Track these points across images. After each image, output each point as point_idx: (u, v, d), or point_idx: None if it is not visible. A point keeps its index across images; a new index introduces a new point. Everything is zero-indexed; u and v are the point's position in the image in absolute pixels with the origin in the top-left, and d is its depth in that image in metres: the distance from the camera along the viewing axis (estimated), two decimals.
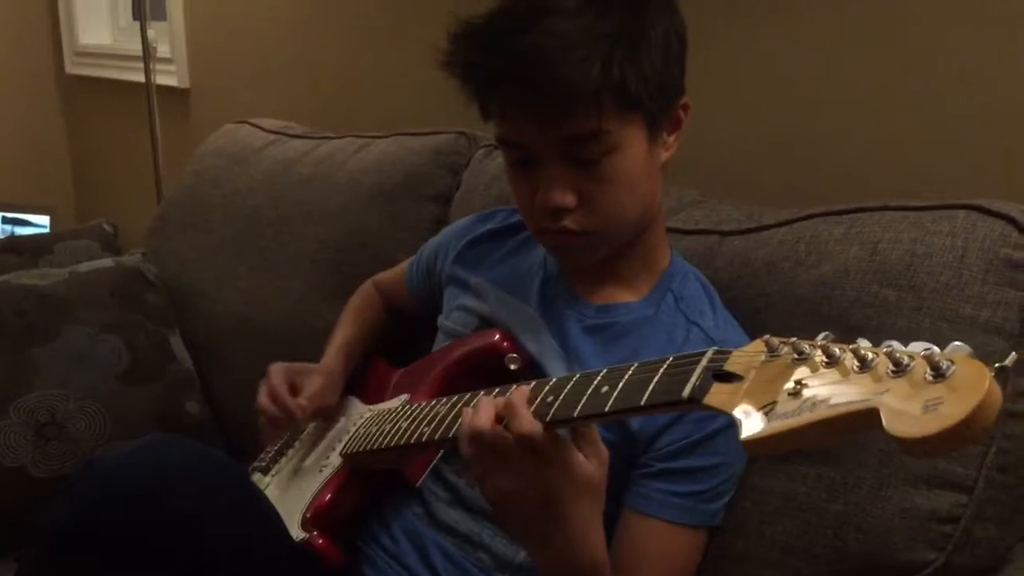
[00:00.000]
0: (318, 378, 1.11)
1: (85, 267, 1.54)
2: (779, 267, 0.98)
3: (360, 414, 1.09)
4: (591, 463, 0.73)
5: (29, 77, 2.81)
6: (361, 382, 1.18)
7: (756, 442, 0.50)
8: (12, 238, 1.72)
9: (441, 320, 1.11)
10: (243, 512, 0.91)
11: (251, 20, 2.10)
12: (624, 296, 0.97)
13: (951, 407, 0.43)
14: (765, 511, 0.91)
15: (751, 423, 0.51)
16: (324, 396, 1.11)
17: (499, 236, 1.11)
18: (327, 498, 0.99)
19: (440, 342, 1.09)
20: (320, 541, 0.96)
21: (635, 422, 0.89)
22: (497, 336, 0.99)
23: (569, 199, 0.88)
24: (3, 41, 2.75)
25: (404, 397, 1.05)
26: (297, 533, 0.97)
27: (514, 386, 0.77)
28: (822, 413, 0.48)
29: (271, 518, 0.96)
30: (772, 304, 0.97)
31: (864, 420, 0.47)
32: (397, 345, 1.25)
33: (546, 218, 0.90)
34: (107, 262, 1.58)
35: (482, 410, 0.74)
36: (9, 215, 2.66)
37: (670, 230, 1.06)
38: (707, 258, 1.05)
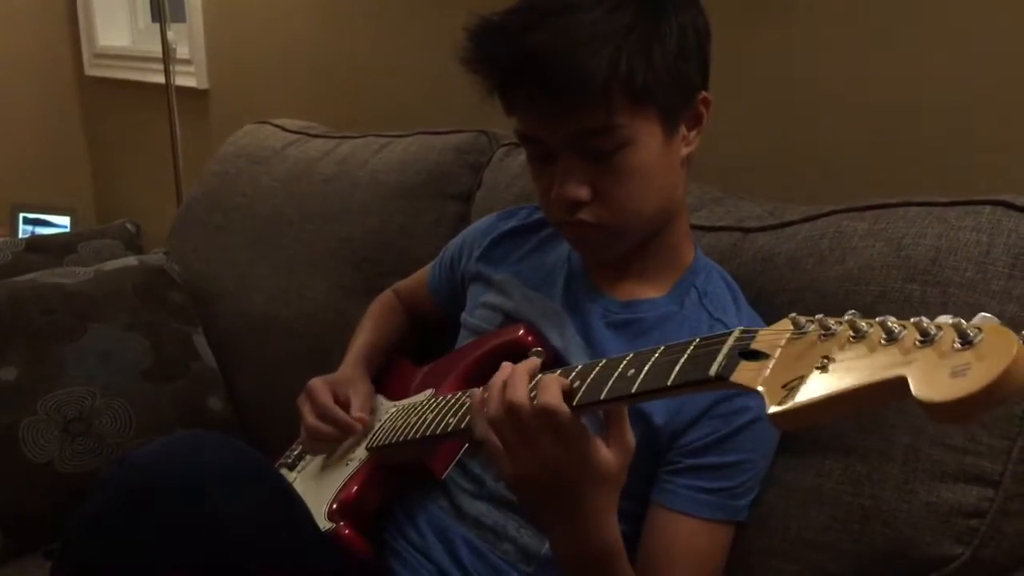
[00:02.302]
0: (360, 386, 1.11)
1: (110, 266, 1.56)
2: (803, 263, 0.99)
3: (385, 409, 1.10)
4: (613, 454, 0.74)
5: (49, 79, 2.83)
6: (386, 380, 1.18)
7: (783, 415, 0.50)
8: (36, 237, 1.73)
9: (465, 316, 1.12)
10: (273, 507, 0.91)
11: (270, 20, 2.11)
12: (647, 292, 0.98)
13: (979, 372, 0.44)
14: (790, 505, 0.91)
15: (778, 397, 0.51)
16: (371, 404, 1.11)
17: (522, 233, 1.12)
18: (353, 490, 1.00)
19: (464, 338, 1.10)
20: (346, 532, 0.97)
21: (659, 418, 0.89)
22: (522, 330, 1.00)
23: (584, 192, 0.89)
24: (23, 44, 2.77)
25: (430, 391, 1.06)
26: (324, 524, 0.98)
27: (541, 374, 0.78)
28: (850, 384, 0.48)
29: (300, 512, 0.96)
30: (796, 300, 0.97)
31: (892, 389, 0.47)
32: (419, 344, 1.26)
33: (563, 211, 0.91)
34: (131, 261, 1.59)
35: (518, 384, 0.74)
36: (30, 215, 2.69)
37: (693, 227, 1.06)
38: (730, 254, 1.05)
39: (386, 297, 1.30)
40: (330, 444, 1.10)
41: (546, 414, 0.72)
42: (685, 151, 0.94)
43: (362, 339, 1.21)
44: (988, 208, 0.90)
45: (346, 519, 0.98)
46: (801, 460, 0.92)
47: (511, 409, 0.73)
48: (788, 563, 0.91)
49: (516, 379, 0.75)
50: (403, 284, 1.31)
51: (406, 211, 1.41)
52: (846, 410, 0.49)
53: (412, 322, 1.28)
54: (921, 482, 0.85)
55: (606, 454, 0.74)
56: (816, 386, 0.50)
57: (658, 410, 0.90)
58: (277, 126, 1.73)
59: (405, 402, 1.08)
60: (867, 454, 0.88)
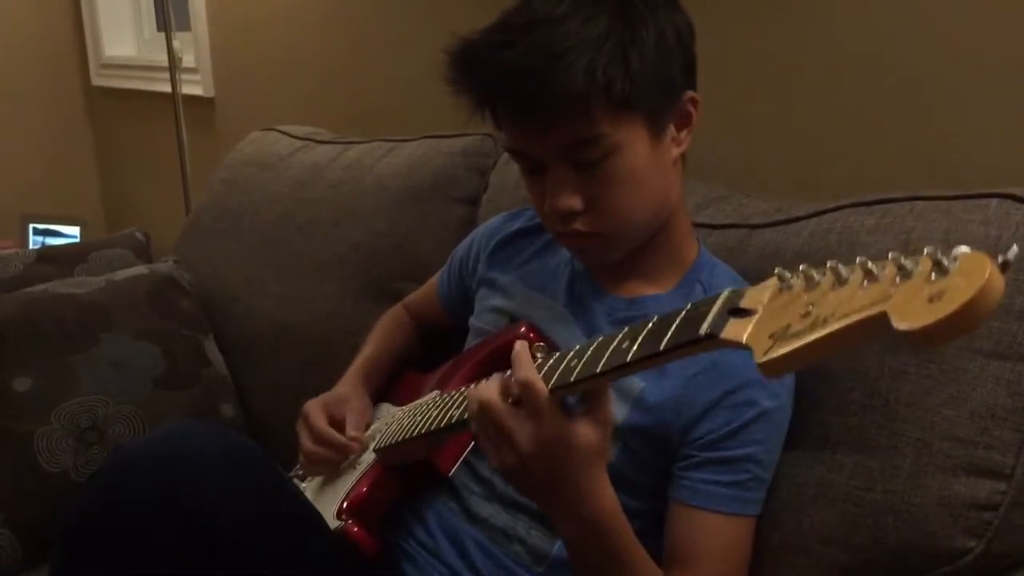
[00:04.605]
0: (356, 404, 1.12)
1: (120, 275, 1.57)
2: (811, 258, 0.98)
3: (392, 414, 1.11)
4: (592, 430, 0.74)
5: (56, 91, 2.85)
6: (394, 390, 1.19)
7: (771, 364, 0.52)
8: (47, 248, 1.74)
9: (472, 320, 1.12)
10: (270, 500, 0.92)
11: (274, 27, 2.12)
12: (651, 289, 0.98)
13: (954, 295, 0.45)
14: (802, 501, 0.91)
15: (765, 347, 0.53)
16: (365, 419, 1.12)
17: (527, 235, 1.12)
18: (363, 489, 1.01)
19: (471, 342, 1.11)
20: (355, 529, 0.97)
21: (669, 412, 0.90)
22: (523, 328, 1.00)
23: (576, 202, 0.89)
24: (30, 56, 2.79)
25: (435, 392, 1.06)
26: (332, 523, 0.98)
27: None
28: (833, 327, 0.50)
29: (301, 506, 0.97)
30: None
31: (875, 326, 0.48)
32: (429, 356, 1.26)
33: (558, 222, 0.92)
34: (141, 269, 1.60)
35: (490, 382, 0.76)
36: (40, 226, 2.70)
37: (700, 225, 1.06)
38: (737, 251, 1.05)
39: (394, 311, 1.31)
40: (329, 467, 1.10)
41: (525, 388, 0.72)
42: (676, 152, 0.94)
43: (364, 354, 1.22)
44: (995, 201, 0.90)
45: (354, 517, 0.98)
46: (812, 455, 0.92)
47: (484, 407, 0.75)
48: (801, 558, 0.91)
49: (489, 380, 0.77)
50: (412, 296, 1.31)
51: (413, 215, 1.41)
52: (833, 351, 0.50)
53: (423, 333, 1.28)
54: (933, 476, 0.85)
55: (586, 431, 0.74)
56: (801, 332, 0.51)
57: (668, 405, 0.90)
58: (283, 132, 1.73)
59: (411, 404, 1.08)
60: (878, 449, 0.88)
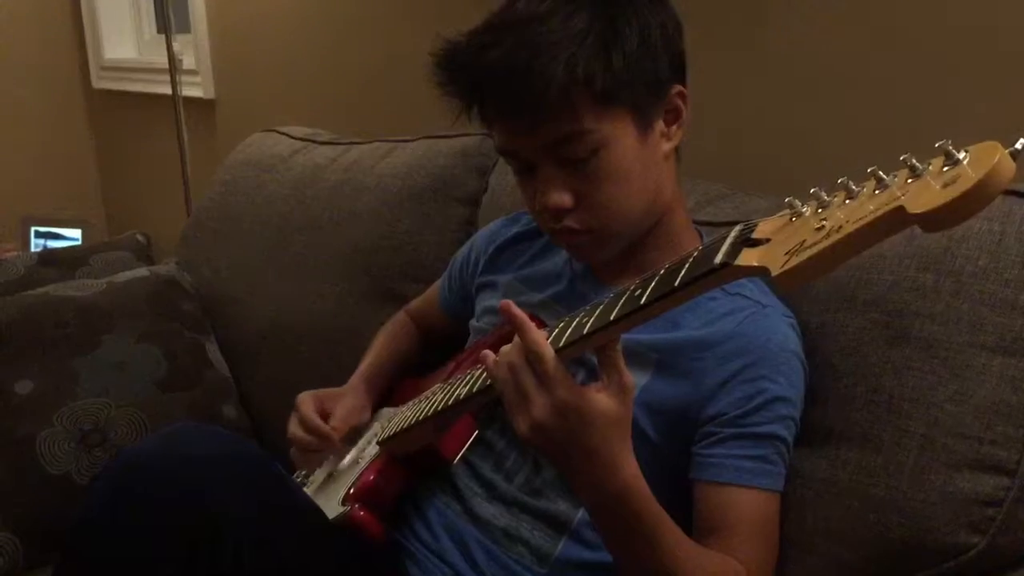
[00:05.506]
0: (348, 399, 1.13)
1: (121, 277, 1.57)
2: None
3: (394, 412, 1.11)
4: (609, 396, 0.73)
5: (57, 93, 2.86)
6: (394, 397, 1.19)
7: (787, 273, 0.52)
8: (48, 251, 1.74)
9: (472, 323, 1.13)
10: (272, 502, 0.92)
11: (274, 28, 2.12)
12: None
13: (966, 177, 0.46)
14: (806, 496, 0.91)
15: (780, 262, 0.53)
16: (355, 416, 1.12)
17: (525, 239, 1.12)
18: (371, 477, 1.01)
19: (471, 344, 1.11)
20: (361, 513, 0.97)
21: (684, 387, 0.89)
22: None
23: (566, 199, 0.89)
24: (31, 58, 2.80)
25: (438, 385, 1.06)
26: (337, 510, 0.98)
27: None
28: (849, 230, 0.50)
29: (304, 507, 0.97)
30: (808, 290, 0.97)
31: (891, 222, 0.49)
32: (429, 362, 1.26)
33: (550, 220, 0.92)
34: (143, 272, 1.60)
35: (513, 345, 0.76)
36: (42, 229, 2.71)
37: (701, 223, 1.06)
38: None
39: (398, 318, 1.31)
40: (315, 455, 1.12)
41: (532, 355, 0.72)
42: (667, 147, 0.94)
43: (367, 360, 1.23)
44: (998, 197, 0.89)
45: (361, 502, 0.98)
46: (816, 451, 0.92)
47: (502, 367, 0.75)
48: (805, 553, 0.91)
49: (508, 345, 0.76)
50: (415, 303, 1.31)
51: (414, 215, 1.41)
52: (851, 254, 0.51)
53: (427, 340, 1.28)
54: (937, 472, 0.85)
55: (603, 399, 0.73)
56: (817, 242, 0.51)
57: (685, 370, 0.90)
58: (284, 134, 1.73)
59: (413, 399, 1.08)
60: (882, 444, 0.88)
